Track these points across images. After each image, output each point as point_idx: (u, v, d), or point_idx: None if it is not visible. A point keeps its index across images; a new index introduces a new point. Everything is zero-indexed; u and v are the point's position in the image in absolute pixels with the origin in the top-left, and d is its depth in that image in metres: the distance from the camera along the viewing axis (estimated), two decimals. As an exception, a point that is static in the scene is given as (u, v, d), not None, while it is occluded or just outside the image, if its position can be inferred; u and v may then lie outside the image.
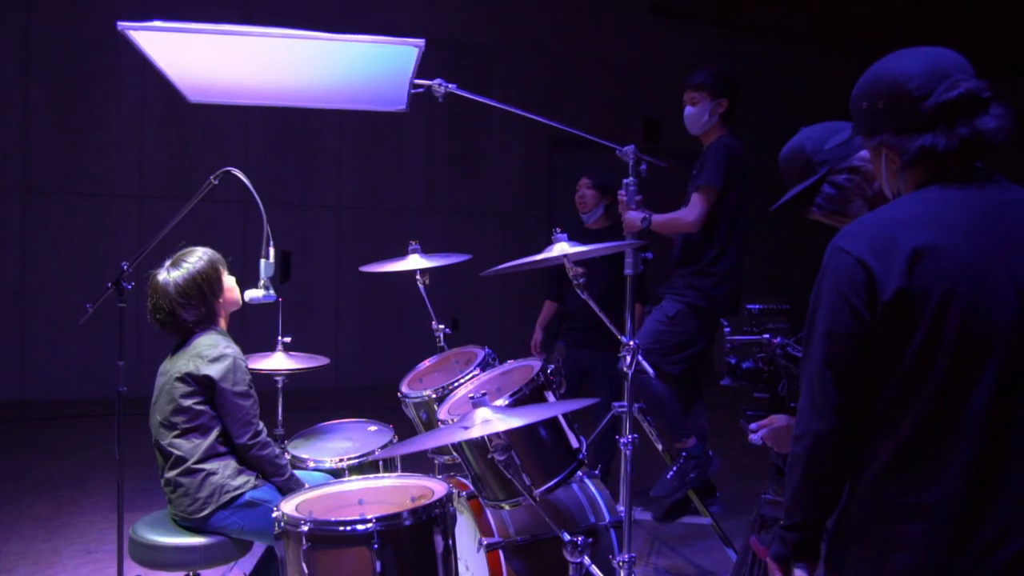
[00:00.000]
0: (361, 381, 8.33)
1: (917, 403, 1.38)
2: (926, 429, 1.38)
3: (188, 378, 2.61)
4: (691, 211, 3.52)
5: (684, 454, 3.53)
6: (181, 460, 2.61)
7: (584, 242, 2.66)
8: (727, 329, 2.18)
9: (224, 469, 2.61)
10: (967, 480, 1.36)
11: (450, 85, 2.80)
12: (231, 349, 2.68)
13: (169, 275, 2.72)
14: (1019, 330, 1.37)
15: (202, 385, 2.62)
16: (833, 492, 1.48)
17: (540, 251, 2.60)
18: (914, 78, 1.45)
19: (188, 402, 2.61)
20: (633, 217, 3.15)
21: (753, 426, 2.00)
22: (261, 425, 2.69)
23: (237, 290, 2.87)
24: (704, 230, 3.57)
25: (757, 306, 2.18)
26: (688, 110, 3.64)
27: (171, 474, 2.63)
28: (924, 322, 1.36)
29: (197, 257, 2.77)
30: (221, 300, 2.80)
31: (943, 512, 1.37)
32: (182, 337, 2.76)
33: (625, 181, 3.02)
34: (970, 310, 1.35)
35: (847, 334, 1.40)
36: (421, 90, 2.76)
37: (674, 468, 3.55)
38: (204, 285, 2.73)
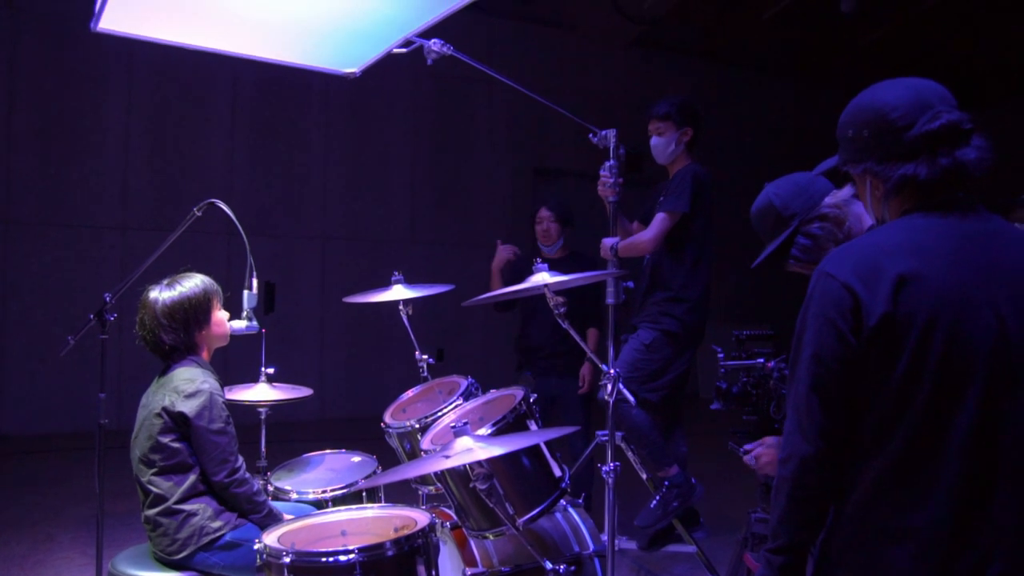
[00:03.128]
0: (345, 412, 8.28)
1: (902, 427, 1.40)
2: (911, 453, 1.40)
3: (164, 413, 2.58)
4: (648, 231, 3.56)
5: (667, 483, 3.54)
6: (160, 499, 2.56)
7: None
8: (720, 355, 2.21)
9: (204, 511, 2.56)
10: (952, 503, 1.37)
11: (448, 46, 2.66)
12: (207, 384, 2.63)
13: (160, 294, 2.69)
14: (999, 355, 1.40)
15: (177, 422, 2.58)
16: (819, 515, 1.49)
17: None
18: (898, 108, 1.49)
19: (165, 439, 2.57)
20: (605, 243, 3.19)
21: (748, 446, 2.02)
22: (239, 461, 2.64)
23: (227, 326, 2.82)
24: (673, 257, 3.60)
25: (745, 332, 2.21)
26: (654, 140, 3.70)
27: (151, 512, 2.58)
28: (908, 347, 1.38)
29: (194, 283, 2.73)
30: (205, 332, 2.75)
31: (929, 536, 1.38)
32: (164, 362, 2.73)
33: (608, 163, 3.04)
34: (952, 336, 1.38)
35: (833, 358, 1.43)
36: (408, 50, 2.62)
37: (657, 497, 3.55)
38: (190, 312, 2.69)
